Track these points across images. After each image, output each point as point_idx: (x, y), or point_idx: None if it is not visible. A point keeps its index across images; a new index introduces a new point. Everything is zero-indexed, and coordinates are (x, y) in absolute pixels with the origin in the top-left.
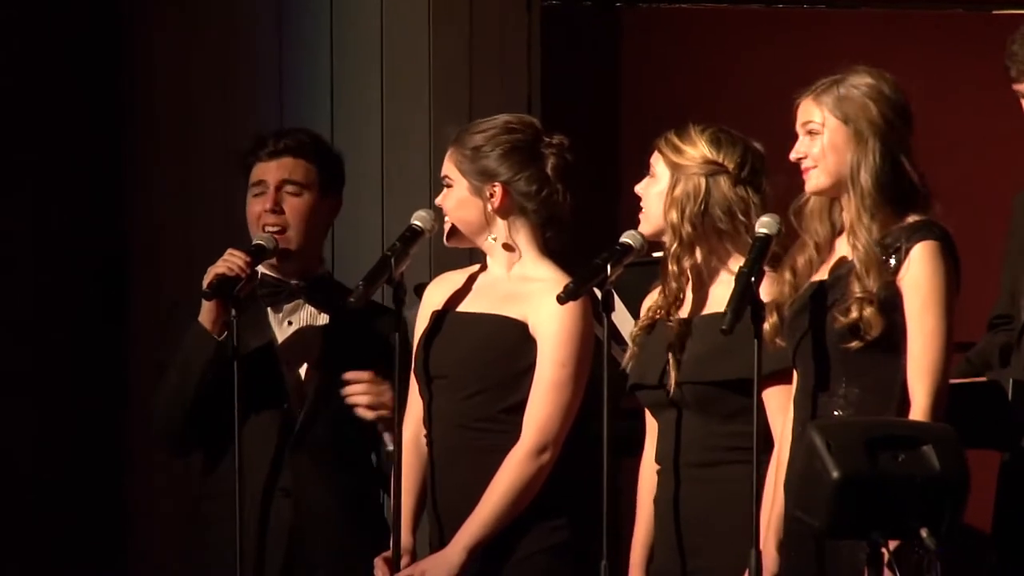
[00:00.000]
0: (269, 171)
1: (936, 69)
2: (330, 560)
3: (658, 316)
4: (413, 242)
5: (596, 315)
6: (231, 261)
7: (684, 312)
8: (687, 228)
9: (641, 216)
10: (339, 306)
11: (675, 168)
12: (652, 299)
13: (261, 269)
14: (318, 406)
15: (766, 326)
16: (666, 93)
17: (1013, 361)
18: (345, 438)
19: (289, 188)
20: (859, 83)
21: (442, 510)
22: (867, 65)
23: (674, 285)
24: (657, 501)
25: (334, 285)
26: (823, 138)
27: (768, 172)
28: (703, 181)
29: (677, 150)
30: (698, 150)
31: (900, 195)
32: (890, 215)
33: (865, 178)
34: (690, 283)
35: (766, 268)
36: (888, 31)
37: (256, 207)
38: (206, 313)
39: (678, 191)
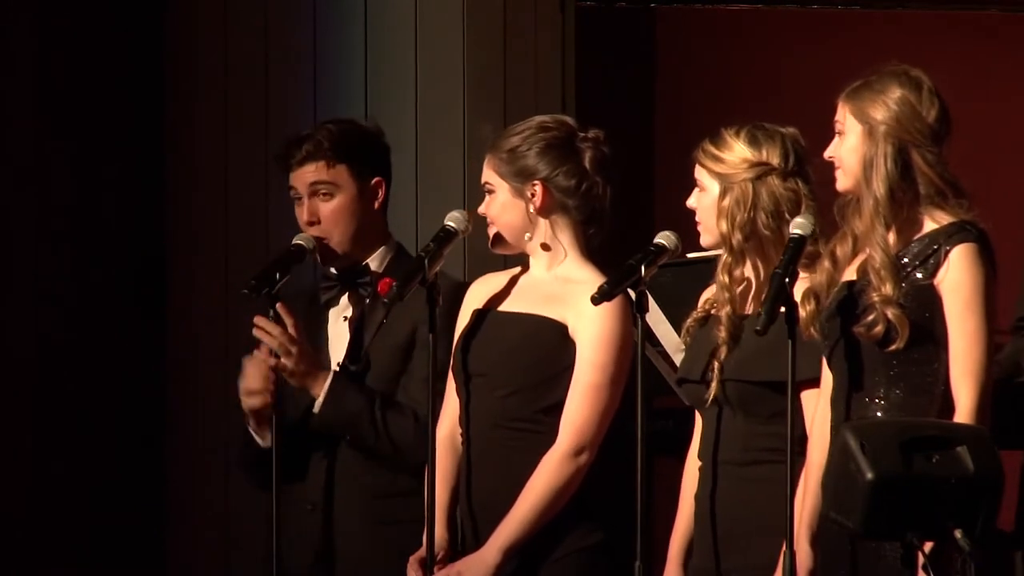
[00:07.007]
0: (299, 179)
1: (971, 70)
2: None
3: (712, 311)
4: (447, 243)
5: (631, 316)
6: (271, 336)
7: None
8: (737, 237)
9: (700, 228)
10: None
11: (721, 178)
12: (710, 292)
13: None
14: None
15: (802, 313)
16: (700, 94)
17: None
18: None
19: (321, 192)
20: (882, 84)
21: (477, 509)
22: (906, 65)
23: (726, 295)
24: (697, 498)
25: (370, 269)
26: (846, 139)
27: (809, 155)
28: (750, 186)
29: (717, 159)
30: (737, 154)
31: (919, 197)
32: (912, 218)
33: (878, 184)
34: (740, 288)
35: (800, 270)
36: (923, 32)
37: (300, 216)
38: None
39: (727, 201)
